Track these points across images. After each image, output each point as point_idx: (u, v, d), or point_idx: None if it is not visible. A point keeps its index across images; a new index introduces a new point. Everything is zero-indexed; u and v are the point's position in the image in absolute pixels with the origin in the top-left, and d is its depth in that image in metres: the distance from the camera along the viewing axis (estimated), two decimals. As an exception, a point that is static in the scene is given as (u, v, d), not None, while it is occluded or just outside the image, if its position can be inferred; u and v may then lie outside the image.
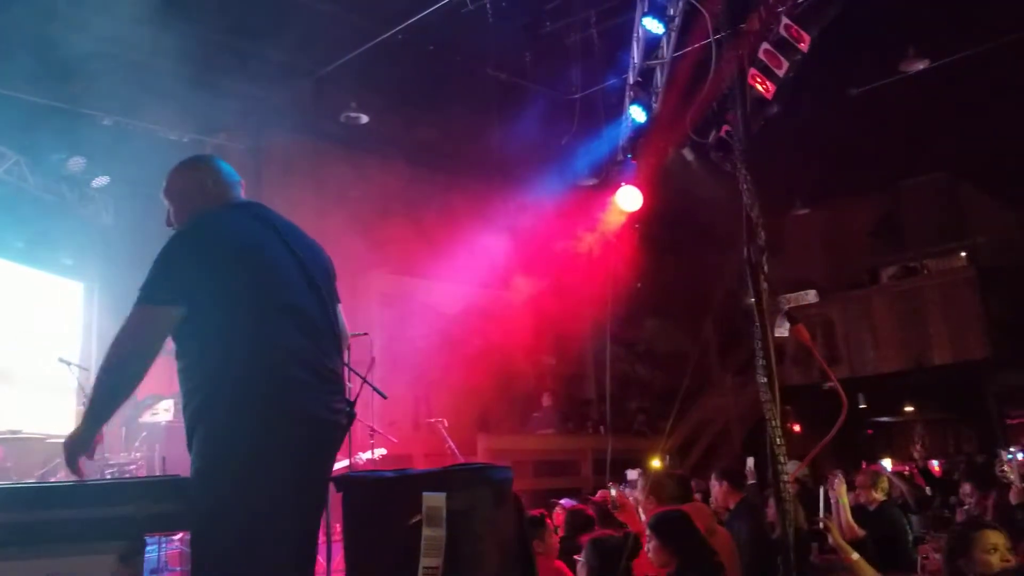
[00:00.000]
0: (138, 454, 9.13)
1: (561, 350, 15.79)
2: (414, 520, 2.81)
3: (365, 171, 14.01)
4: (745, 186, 2.76)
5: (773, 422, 2.75)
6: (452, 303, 13.68)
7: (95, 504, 3.09)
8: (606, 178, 11.22)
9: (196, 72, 10.73)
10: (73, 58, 9.10)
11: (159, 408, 10.36)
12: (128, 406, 10.18)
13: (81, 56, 9.14)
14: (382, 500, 2.99)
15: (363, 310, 12.47)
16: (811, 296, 15.10)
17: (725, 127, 8.42)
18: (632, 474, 8.32)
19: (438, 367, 13.44)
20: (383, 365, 9.31)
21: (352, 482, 3.09)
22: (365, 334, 6.71)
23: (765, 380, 2.76)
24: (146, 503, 3.11)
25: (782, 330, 3.21)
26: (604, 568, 4.09)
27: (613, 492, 5.63)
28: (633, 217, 10.54)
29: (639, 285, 12.17)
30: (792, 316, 3.13)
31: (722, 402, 16.58)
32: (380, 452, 8.06)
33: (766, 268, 2.72)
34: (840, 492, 6.84)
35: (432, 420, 10.47)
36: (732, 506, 7.00)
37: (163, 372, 10.82)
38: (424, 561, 2.76)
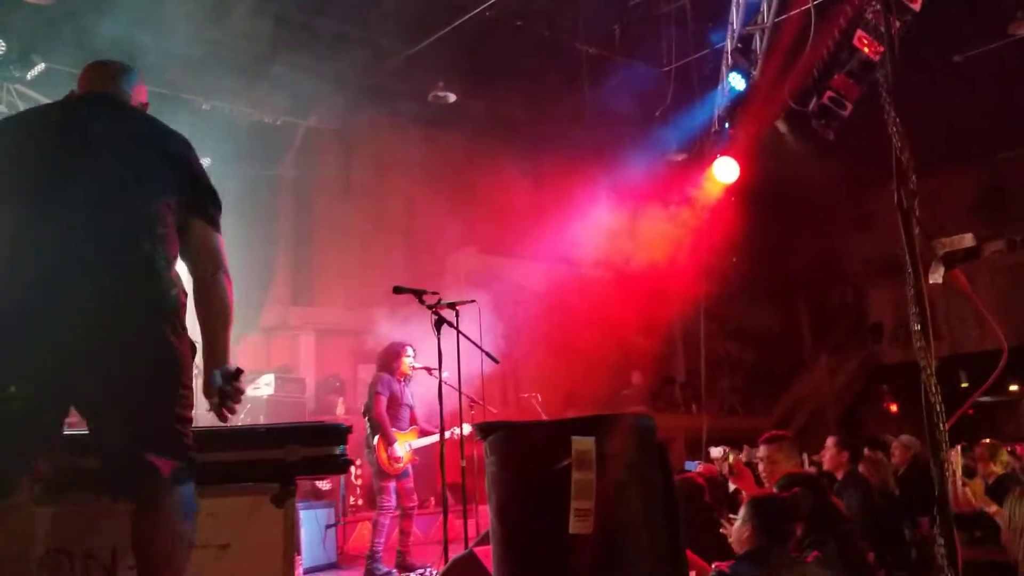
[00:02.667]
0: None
1: (650, 328, 15.77)
2: (565, 462, 2.87)
3: (452, 151, 14.19)
4: (894, 128, 2.75)
5: (928, 371, 2.71)
6: (540, 281, 13.77)
7: (247, 447, 3.26)
8: (699, 152, 11.14)
9: (286, 55, 11.01)
10: (172, 46, 9.44)
11: (260, 383, 10.72)
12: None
13: (179, 43, 9.48)
14: (529, 444, 3.08)
15: (451, 289, 12.69)
16: (968, 240, 14.70)
17: (828, 93, 8.32)
18: (715, 451, 8.33)
19: (526, 344, 13.55)
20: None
21: (496, 427, 3.18)
22: (472, 301, 6.83)
23: (919, 327, 2.73)
24: (295, 447, 3.25)
25: (936, 276, 3.18)
26: (773, 526, 4.09)
27: (730, 458, 5.64)
28: (729, 190, 10.45)
29: (734, 260, 12.06)
30: (949, 260, 3.10)
31: (816, 382, 16.35)
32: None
33: (917, 212, 2.69)
34: (955, 464, 6.73)
35: (526, 395, 10.56)
36: (841, 476, 6.97)
37: (259, 348, 11.08)
38: (575, 503, 2.84)
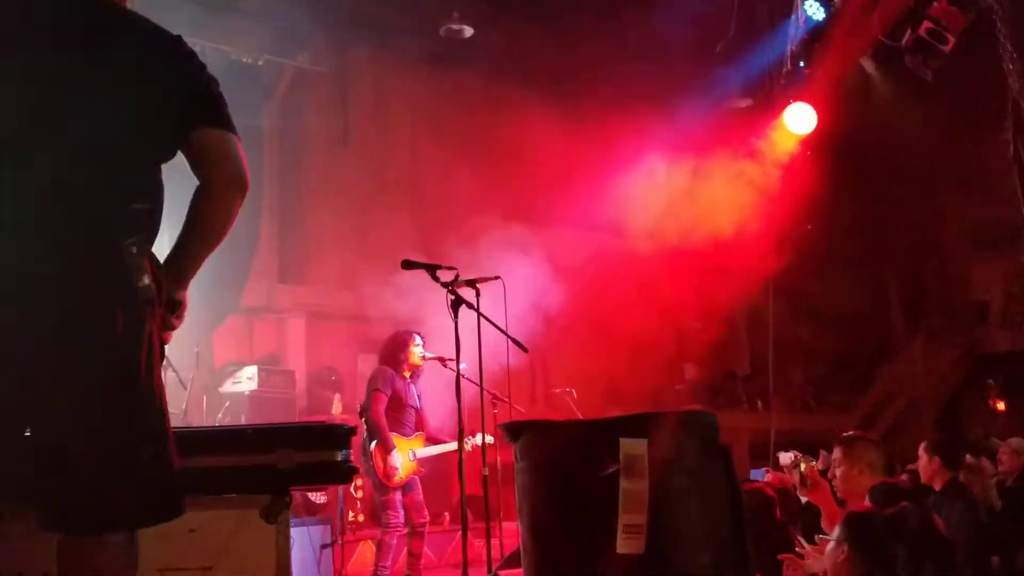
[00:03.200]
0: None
1: (708, 311, 15.75)
2: (610, 470, 2.90)
3: (469, 95, 14.18)
4: (1010, 65, 2.73)
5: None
6: (576, 254, 13.75)
7: (232, 451, 3.32)
8: (767, 97, 11.08)
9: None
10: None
11: (241, 376, 10.84)
12: (205, 372, 10.73)
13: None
14: (568, 447, 3.11)
15: (471, 264, 12.72)
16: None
17: (926, 24, 8.23)
18: (785, 457, 8.32)
19: (559, 330, 13.58)
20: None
21: (529, 427, 3.22)
22: (496, 278, 6.86)
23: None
24: (289, 451, 3.30)
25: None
26: (876, 549, 4.09)
27: (802, 467, 5.60)
28: (804, 143, 10.39)
29: (809, 228, 12.02)
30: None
31: (908, 372, 16.30)
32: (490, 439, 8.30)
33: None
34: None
35: (558, 391, 10.61)
36: (940, 487, 6.96)
37: (243, 337, 11.23)
38: (623, 518, 2.87)
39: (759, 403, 14.69)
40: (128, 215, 2.75)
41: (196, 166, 2.87)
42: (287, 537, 3.32)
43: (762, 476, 7.97)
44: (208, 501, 3.27)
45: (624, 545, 2.88)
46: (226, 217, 2.91)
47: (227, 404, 10.08)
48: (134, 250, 2.72)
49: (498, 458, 9.37)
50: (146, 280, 2.74)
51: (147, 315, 2.74)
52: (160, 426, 2.79)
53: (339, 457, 3.39)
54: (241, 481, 3.32)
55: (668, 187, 13.27)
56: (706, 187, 12.34)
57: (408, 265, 6.48)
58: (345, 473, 3.45)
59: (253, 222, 13.08)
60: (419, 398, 8.37)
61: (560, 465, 3.13)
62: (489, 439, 7.87)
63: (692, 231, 13.75)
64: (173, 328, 2.96)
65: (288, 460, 3.32)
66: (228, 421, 9.79)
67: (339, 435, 3.44)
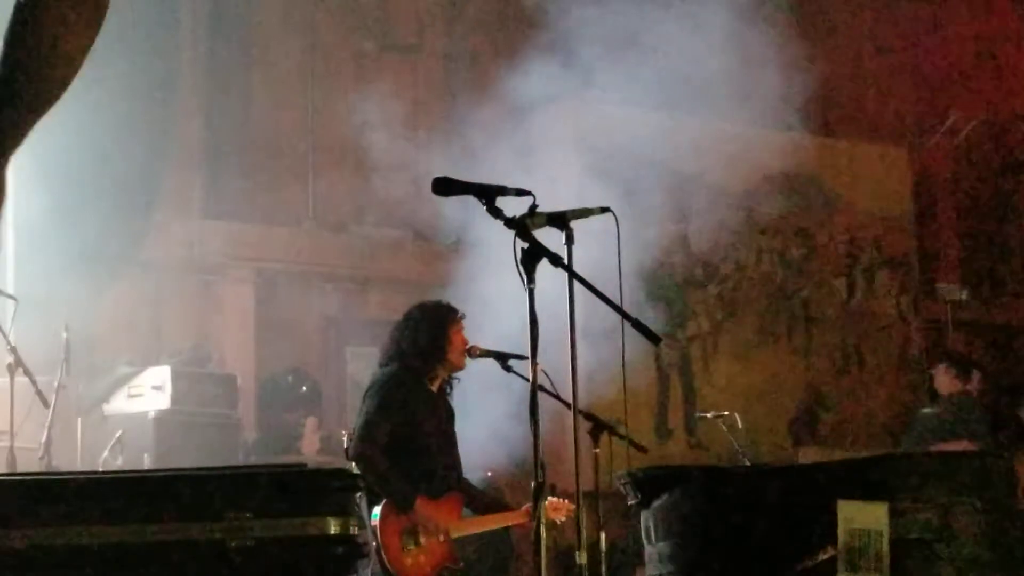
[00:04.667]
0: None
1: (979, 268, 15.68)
2: (820, 556, 2.93)
3: None
4: None
5: None
6: (742, 171, 13.75)
7: (136, 518, 3.37)
8: None
9: None
10: None
11: (143, 384, 10.95)
12: (79, 376, 10.83)
13: None
14: (743, 513, 3.14)
15: (548, 183, 12.64)
16: None
17: None
18: None
19: (711, 307, 13.57)
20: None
21: (672, 477, 3.26)
22: (605, 210, 6.77)
23: None
24: (243, 519, 3.35)
25: None
26: None
27: None
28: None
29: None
30: None
31: None
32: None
33: None
34: None
35: (710, 415, 10.66)
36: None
37: (140, 306, 11.48)
38: (846, 644, 2.89)
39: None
40: None
41: None
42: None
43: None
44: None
45: None
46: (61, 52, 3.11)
47: (119, 433, 10.13)
48: None
49: (602, 536, 9.40)
50: None
51: None
52: None
53: (333, 529, 3.43)
54: (162, 568, 3.37)
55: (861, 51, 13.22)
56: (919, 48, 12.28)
57: (443, 187, 6.39)
58: (342, 559, 3.49)
59: (166, 103, 13.18)
60: (453, 424, 8.39)
61: (730, 546, 3.15)
62: (566, 509, 7.94)
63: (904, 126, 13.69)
64: None
65: (243, 534, 3.36)
66: (123, 464, 9.84)
67: (333, 488, 3.48)
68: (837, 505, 2.99)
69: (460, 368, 8.23)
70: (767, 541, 3.13)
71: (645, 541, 3.49)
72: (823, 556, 2.93)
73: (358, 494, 3.63)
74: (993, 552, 3.15)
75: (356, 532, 3.55)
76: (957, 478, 3.17)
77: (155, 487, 3.51)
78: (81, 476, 3.61)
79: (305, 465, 3.87)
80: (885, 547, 2.91)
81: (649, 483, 3.43)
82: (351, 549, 3.47)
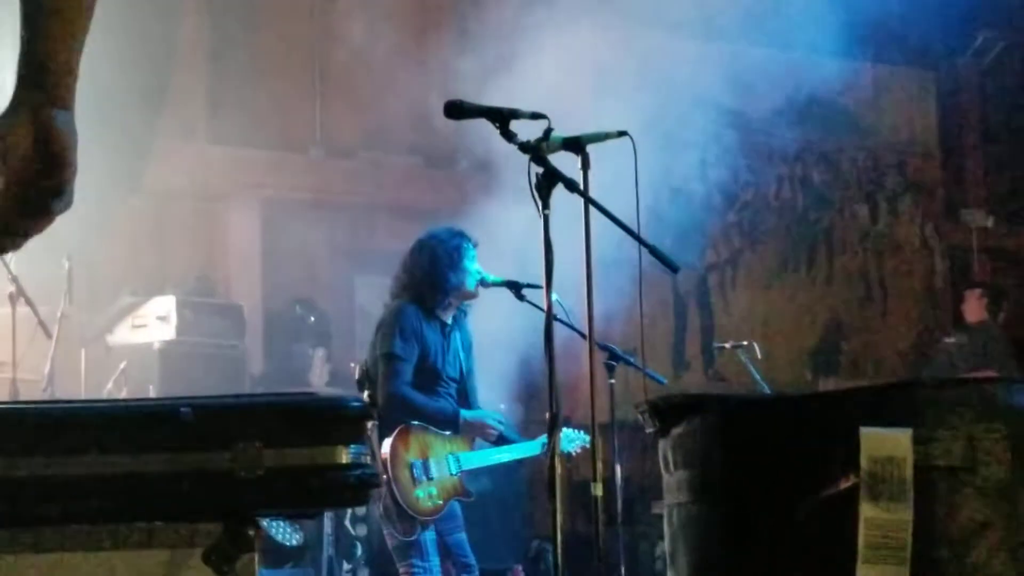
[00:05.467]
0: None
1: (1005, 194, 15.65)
2: (841, 485, 2.93)
3: None
4: None
5: None
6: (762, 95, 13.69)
7: (146, 448, 3.36)
8: None
9: None
10: None
11: (147, 314, 10.95)
12: (82, 307, 10.84)
13: None
14: (763, 442, 3.15)
15: (561, 104, 12.59)
16: None
17: None
18: None
19: (731, 237, 13.55)
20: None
21: (691, 405, 3.27)
22: (623, 134, 6.74)
23: None
24: (255, 447, 3.35)
25: None
26: None
27: None
28: None
29: None
30: None
31: None
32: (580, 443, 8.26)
33: None
34: None
35: (728, 345, 10.66)
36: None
37: (148, 244, 11.48)
38: (865, 572, 2.90)
39: None
40: None
41: None
42: (250, 603, 3.39)
43: None
44: (105, 535, 3.33)
45: (866, 622, 2.91)
46: None
47: (123, 364, 10.16)
48: None
49: (617, 468, 9.42)
50: None
51: None
52: None
53: (345, 458, 3.42)
54: (165, 500, 3.37)
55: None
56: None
57: (456, 110, 6.39)
58: (356, 488, 3.47)
59: (169, 34, 13.15)
60: (465, 359, 8.37)
61: (751, 479, 3.16)
62: (581, 440, 7.95)
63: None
64: (48, 218, 2.90)
65: (253, 463, 3.36)
66: (128, 393, 9.86)
67: (345, 417, 3.48)
68: (859, 433, 2.98)
69: (473, 297, 8.22)
70: (787, 470, 3.14)
71: (663, 470, 3.49)
72: (845, 485, 2.93)
73: (370, 424, 3.60)
74: (1016, 479, 3.16)
75: (368, 462, 3.55)
76: (982, 405, 3.18)
77: (161, 415, 3.50)
78: (85, 404, 3.58)
79: (315, 394, 3.85)
80: (908, 475, 2.92)
81: (668, 411, 3.42)
82: (363, 478, 3.47)
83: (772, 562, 3.17)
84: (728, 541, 3.27)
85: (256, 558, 3.35)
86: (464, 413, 7.89)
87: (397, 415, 7.76)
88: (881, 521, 2.92)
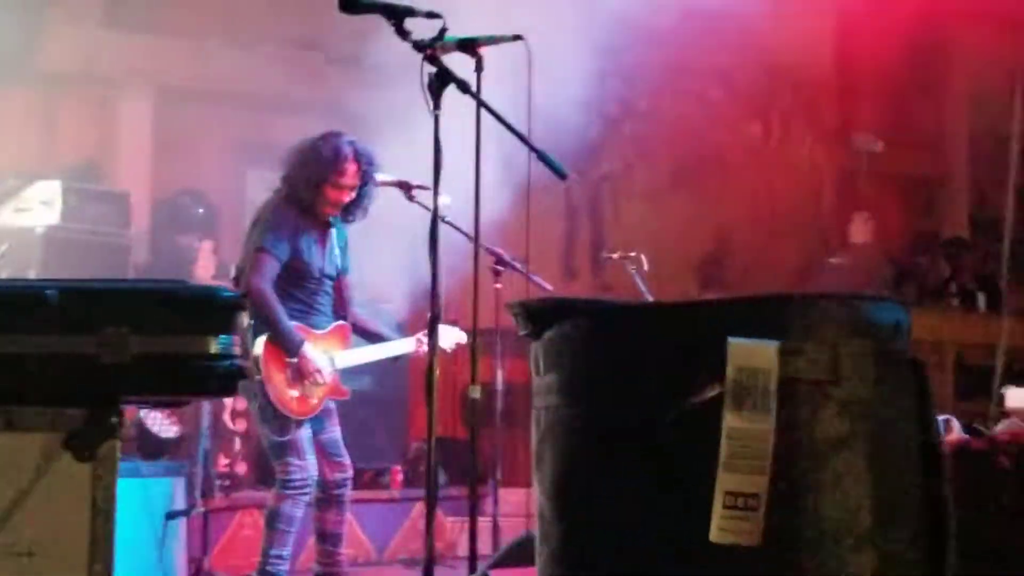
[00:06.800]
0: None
1: (902, 125, 15.69)
2: (706, 394, 2.94)
3: None
4: None
5: None
6: (664, 8, 13.67)
7: (12, 329, 3.32)
8: None
9: None
10: None
11: (30, 199, 10.87)
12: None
13: None
14: (630, 350, 3.15)
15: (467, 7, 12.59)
16: None
17: None
18: (1016, 395, 8.44)
19: (622, 143, 13.56)
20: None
21: (567, 310, 3.26)
22: (518, 38, 6.73)
23: None
24: (122, 332, 3.32)
25: None
26: None
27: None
28: None
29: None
30: None
31: None
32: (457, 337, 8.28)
33: None
34: None
35: (615, 255, 10.67)
36: None
37: (35, 127, 11.36)
38: (725, 480, 2.91)
39: (980, 297, 14.76)
40: None
41: None
42: (112, 489, 3.36)
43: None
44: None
45: (724, 530, 2.94)
46: None
47: (3, 247, 10.04)
48: None
49: (498, 373, 9.45)
50: None
51: None
52: None
53: (214, 348, 3.40)
54: (31, 383, 3.34)
55: None
56: None
57: (350, 4, 6.32)
58: (224, 378, 3.46)
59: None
60: (342, 257, 8.35)
61: (615, 383, 3.16)
62: (458, 337, 7.99)
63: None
64: None
65: (120, 349, 3.33)
66: (7, 275, 9.76)
67: (216, 306, 3.45)
68: (727, 343, 2.99)
69: (346, 199, 8.18)
70: (655, 377, 3.16)
71: (533, 373, 3.50)
72: (710, 393, 2.96)
73: (242, 315, 3.57)
74: (878, 394, 3.19)
75: (237, 352, 3.52)
76: (850, 320, 3.21)
77: (27, 297, 3.45)
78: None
79: (185, 281, 3.79)
80: (773, 386, 2.94)
81: (541, 314, 3.43)
82: (231, 369, 3.44)
83: (635, 467, 3.19)
84: (592, 445, 3.29)
85: (118, 445, 3.34)
86: (305, 349, 7.86)
87: (257, 311, 7.73)
88: (743, 431, 2.95)
